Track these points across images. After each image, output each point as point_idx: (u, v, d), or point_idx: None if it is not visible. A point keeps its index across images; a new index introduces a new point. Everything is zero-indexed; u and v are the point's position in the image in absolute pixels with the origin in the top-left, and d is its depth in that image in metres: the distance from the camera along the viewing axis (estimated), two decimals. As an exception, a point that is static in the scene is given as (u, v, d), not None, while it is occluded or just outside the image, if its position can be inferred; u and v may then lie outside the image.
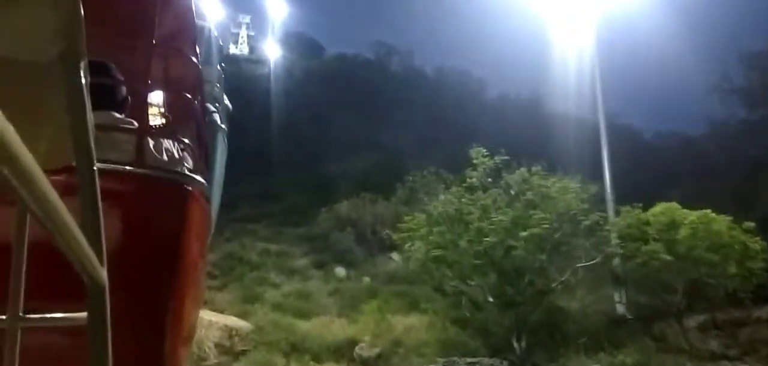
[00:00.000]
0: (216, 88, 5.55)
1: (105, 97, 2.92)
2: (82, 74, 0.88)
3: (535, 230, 10.86)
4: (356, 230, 19.57)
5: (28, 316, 1.08)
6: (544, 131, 39.19)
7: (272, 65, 52.82)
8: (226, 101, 5.98)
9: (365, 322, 12.67)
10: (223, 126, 5.44)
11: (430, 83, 53.15)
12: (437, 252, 11.54)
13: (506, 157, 12.35)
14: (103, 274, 0.88)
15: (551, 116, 44.86)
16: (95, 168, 0.88)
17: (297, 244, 20.89)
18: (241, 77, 44.65)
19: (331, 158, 30.36)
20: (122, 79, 3.19)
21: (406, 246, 12.57)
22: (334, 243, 19.16)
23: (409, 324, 12.41)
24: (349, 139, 38.93)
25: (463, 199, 11.74)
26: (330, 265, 18.29)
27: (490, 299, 11.39)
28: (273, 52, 56.25)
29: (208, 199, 3.64)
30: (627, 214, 13.60)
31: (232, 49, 55.02)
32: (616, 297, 14.70)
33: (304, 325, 12.27)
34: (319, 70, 52.37)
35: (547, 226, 11.07)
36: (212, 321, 10.55)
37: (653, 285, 13.44)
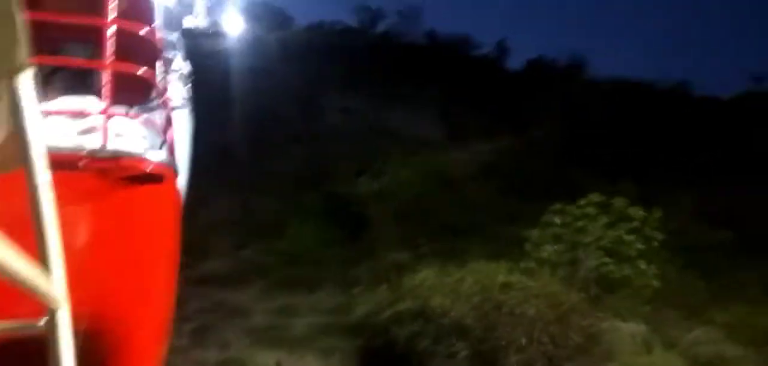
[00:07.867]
0: (178, 56, 4.80)
1: (74, 79, 3.05)
2: (25, 85, 0.87)
3: None
4: (468, 344, 9.58)
5: None
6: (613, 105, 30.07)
7: (236, 40, 43.47)
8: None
9: None
10: (186, 97, 4.72)
11: (432, 51, 43.35)
12: None
13: None
14: (61, 290, 0.86)
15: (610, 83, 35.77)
16: (45, 175, 0.84)
17: (326, 349, 11.06)
18: (201, 54, 34.33)
19: (339, 160, 20.48)
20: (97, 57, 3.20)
21: None
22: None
23: None
24: (353, 128, 29.12)
25: None
26: None
27: None
28: (236, 25, 46.92)
29: (176, 177, 3.37)
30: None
31: (188, 23, 44.60)
32: None
33: None
34: (292, 43, 42.23)
35: None
36: None
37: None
